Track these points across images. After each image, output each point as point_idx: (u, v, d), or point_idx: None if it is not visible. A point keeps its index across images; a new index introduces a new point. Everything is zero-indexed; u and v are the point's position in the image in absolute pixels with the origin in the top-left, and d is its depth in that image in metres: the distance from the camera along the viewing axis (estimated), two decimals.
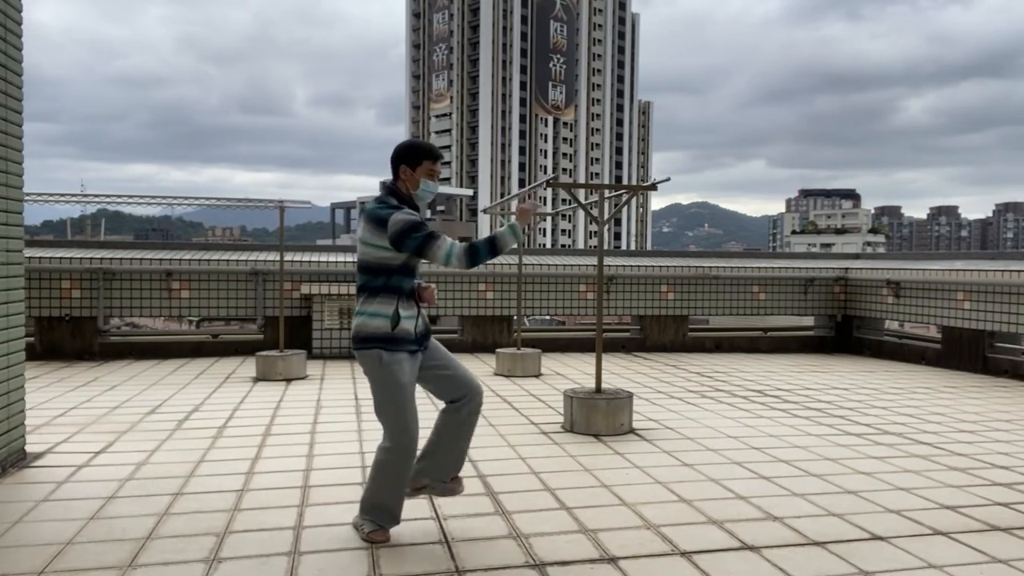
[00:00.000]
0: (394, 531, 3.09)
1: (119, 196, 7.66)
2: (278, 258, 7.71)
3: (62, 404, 5.80)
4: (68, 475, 3.91)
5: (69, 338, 8.49)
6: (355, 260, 3.11)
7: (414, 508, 3.41)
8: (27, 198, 7.84)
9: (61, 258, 8.46)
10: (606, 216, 5.27)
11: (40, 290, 8.35)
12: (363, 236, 2.96)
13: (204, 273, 8.76)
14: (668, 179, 5.22)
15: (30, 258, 8.37)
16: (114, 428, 4.99)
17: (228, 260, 8.93)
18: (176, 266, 8.66)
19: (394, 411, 2.96)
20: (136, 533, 3.08)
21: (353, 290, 8.62)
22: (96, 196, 9.44)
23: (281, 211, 7.46)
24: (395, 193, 3.04)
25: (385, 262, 2.95)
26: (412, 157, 3.04)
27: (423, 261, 3.03)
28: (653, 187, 5.42)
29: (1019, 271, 7.73)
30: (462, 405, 3.11)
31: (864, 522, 3.31)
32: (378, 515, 3.04)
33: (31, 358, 8.29)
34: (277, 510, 3.38)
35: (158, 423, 5.16)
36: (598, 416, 4.98)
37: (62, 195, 7.27)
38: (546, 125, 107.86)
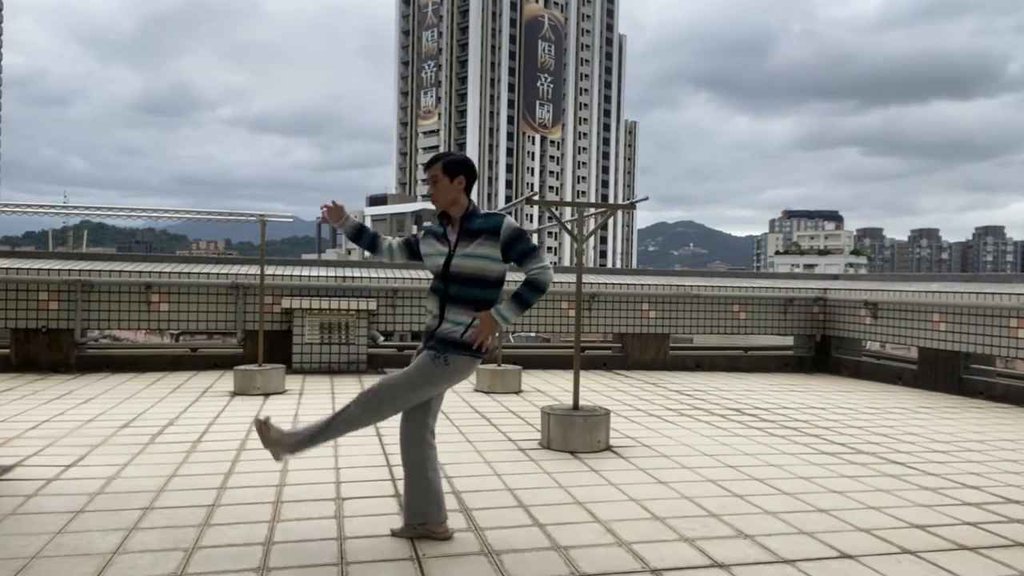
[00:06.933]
0: (363, 545, 3.08)
1: (99, 208, 7.62)
2: (259, 272, 7.68)
3: (35, 417, 5.73)
4: (37, 488, 3.86)
5: (45, 350, 8.40)
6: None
7: (385, 524, 3.40)
8: (7, 209, 7.81)
9: (39, 269, 8.39)
10: (585, 234, 5.32)
11: (17, 301, 8.26)
12: None
13: (184, 286, 8.71)
14: (646, 198, 5.28)
15: (7, 269, 8.30)
16: (86, 441, 4.93)
17: (208, 273, 8.89)
18: (155, 279, 8.60)
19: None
20: (103, 548, 3.05)
21: (333, 305, 8.60)
22: (77, 208, 9.41)
23: (262, 224, 7.45)
24: None
25: None
26: None
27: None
28: (632, 206, 5.48)
29: (993, 293, 7.85)
30: None
31: (834, 540, 3.34)
32: None
33: (5, 370, 8.21)
34: (248, 525, 3.36)
35: (131, 437, 5.11)
36: (575, 433, 4.98)
37: (41, 206, 7.23)
38: (533, 143, 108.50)
